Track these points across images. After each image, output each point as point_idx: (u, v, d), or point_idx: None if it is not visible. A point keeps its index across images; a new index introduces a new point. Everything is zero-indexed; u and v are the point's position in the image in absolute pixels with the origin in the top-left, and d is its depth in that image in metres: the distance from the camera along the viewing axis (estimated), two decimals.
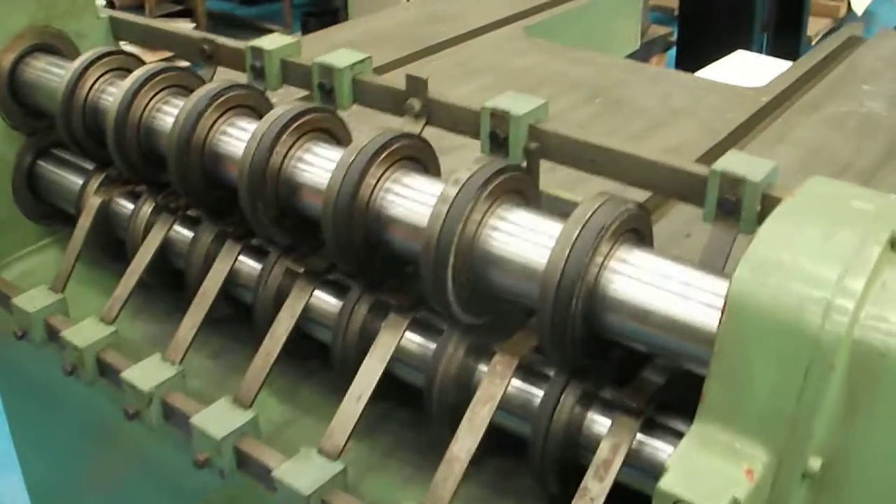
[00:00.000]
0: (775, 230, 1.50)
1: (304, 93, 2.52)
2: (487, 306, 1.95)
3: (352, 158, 1.97)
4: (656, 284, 1.70)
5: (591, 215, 1.74)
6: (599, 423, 1.86)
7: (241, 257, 2.33)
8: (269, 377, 2.13)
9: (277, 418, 2.27)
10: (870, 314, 1.39)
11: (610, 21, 4.64)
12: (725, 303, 1.45)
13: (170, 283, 2.56)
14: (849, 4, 10.66)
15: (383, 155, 1.99)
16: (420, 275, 1.88)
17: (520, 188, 1.94)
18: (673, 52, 8.00)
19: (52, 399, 2.82)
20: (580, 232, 1.72)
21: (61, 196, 2.78)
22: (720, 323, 1.46)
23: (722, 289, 1.63)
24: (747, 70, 5.32)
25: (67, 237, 2.82)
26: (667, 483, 1.41)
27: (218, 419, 2.06)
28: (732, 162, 1.88)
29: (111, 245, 2.68)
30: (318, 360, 2.33)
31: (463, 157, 2.12)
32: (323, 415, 2.23)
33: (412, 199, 1.97)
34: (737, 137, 3.05)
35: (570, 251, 1.70)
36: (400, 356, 2.05)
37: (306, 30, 10.18)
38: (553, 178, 2.17)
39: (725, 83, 3.60)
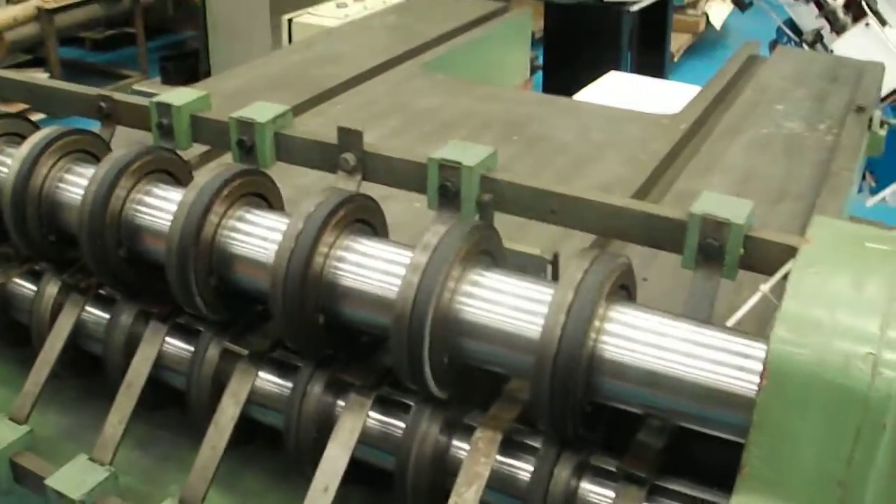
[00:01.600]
0: (803, 284, 1.42)
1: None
2: (464, 377, 1.82)
3: (299, 228, 1.82)
4: (667, 347, 1.61)
5: (585, 278, 1.62)
6: (597, 494, 1.74)
7: (168, 339, 2.15)
8: None
9: None
10: None
11: (503, 52, 4.57)
12: (764, 367, 1.36)
13: (81, 369, 2.36)
14: (707, 19, 10.83)
15: (334, 220, 1.85)
16: (390, 350, 1.75)
17: (489, 248, 1.82)
18: (539, 76, 8.00)
19: None
20: (575, 297, 1.60)
21: None
22: (759, 389, 1.37)
23: (739, 347, 1.55)
24: (625, 91, 5.31)
25: None
26: None
27: None
28: (710, 204, 1.80)
29: (7, 329, 2.46)
30: (261, 442, 2.16)
31: (399, 208, 2.00)
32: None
33: (374, 269, 1.83)
34: (664, 168, 2.98)
35: (567, 319, 1.59)
36: (365, 438, 1.89)
37: (166, 76, 9.82)
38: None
39: (639, 111, 3.54)
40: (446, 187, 1.97)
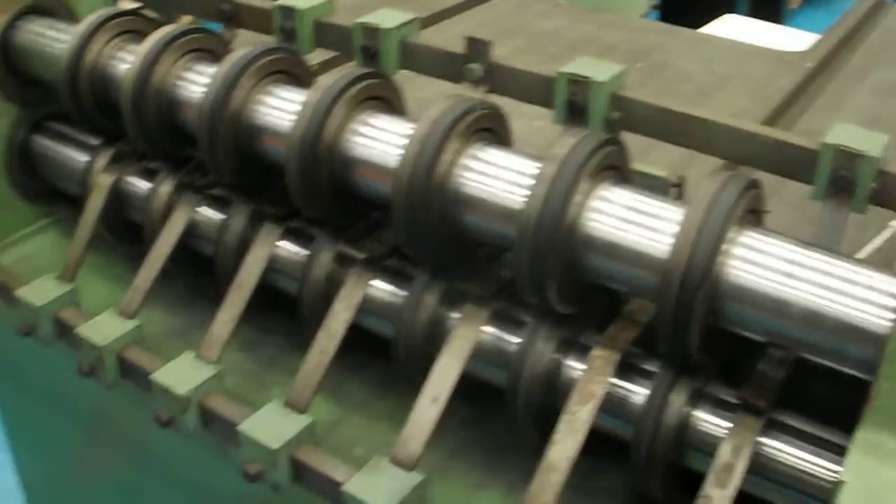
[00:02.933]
0: None
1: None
2: (585, 295, 1.81)
3: (425, 132, 1.82)
4: (796, 274, 1.59)
5: (716, 198, 1.61)
6: (710, 423, 1.74)
7: (281, 242, 2.17)
8: None
9: (325, 417, 2.12)
10: None
11: None
12: None
13: (191, 268, 2.40)
14: None
15: (460, 127, 1.84)
16: (512, 262, 1.74)
17: (618, 164, 1.80)
18: (654, 16, 7.89)
19: (54, 397, 2.65)
20: (706, 217, 1.58)
21: (61, 174, 2.61)
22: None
23: (871, 280, 1.53)
24: (741, 34, 5.22)
25: (66, 219, 2.67)
26: (848, 501, 1.29)
27: (271, 426, 1.91)
28: (844, 135, 1.77)
29: (119, 226, 2.52)
30: (366, 352, 2.19)
31: (518, 125, 1.99)
32: (376, 413, 2.11)
33: (495, 177, 1.83)
34: (788, 105, 2.93)
35: (697, 239, 1.57)
36: (477, 351, 1.90)
37: None
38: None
39: (766, 48, 3.48)
40: (575, 102, 1.96)
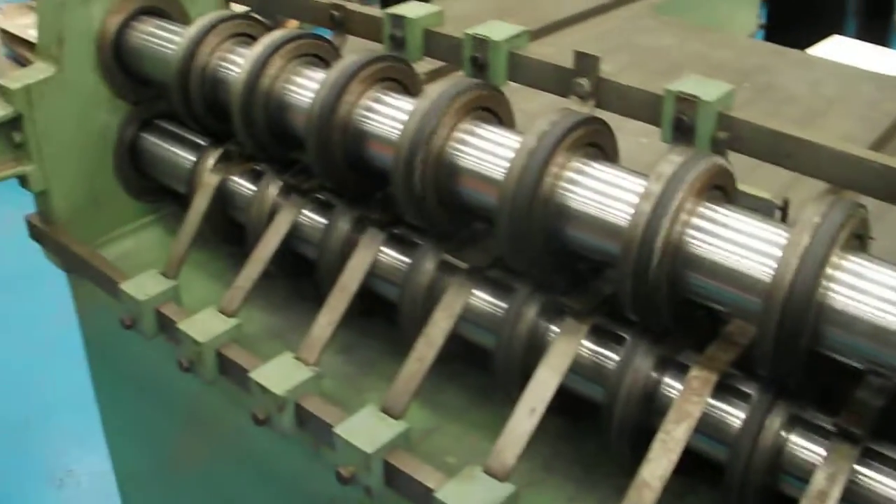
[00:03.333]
0: None
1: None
2: (685, 314, 1.82)
3: (532, 146, 1.84)
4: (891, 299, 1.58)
5: (821, 222, 1.61)
6: (807, 449, 1.74)
7: (384, 247, 2.21)
8: None
9: (420, 424, 2.14)
10: None
11: (733, 3, 4.49)
12: None
13: (291, 269, 2.44)
14: None
15: (568, 141, 1.86)
16: (615, 278, 1.76)
17: (724, 185, 1.81)
18: (759, 35, 7.82)
19: (153, 389, 2.71)
20: (811, 241, 1.59)
21: (168, 172, 2.68)
22: None
23: None
24: (848, 56, 5.15)
25: (171, 216, 2.73)
26: None
27: (366, 430, 1.94)
28: None
29: (223, 226, 2.57)
30: (462, 362, 2.22)
31: (624, 142, 2.00)
32: (472, 422, 2.14)
33: (605, 194, 1.84)
34: None
35: (801, 262, 1.58)
36: (575, 366, 1.92)
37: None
38: None
39: (874, 71, 3.44)
40: (682, 121, 1.96)
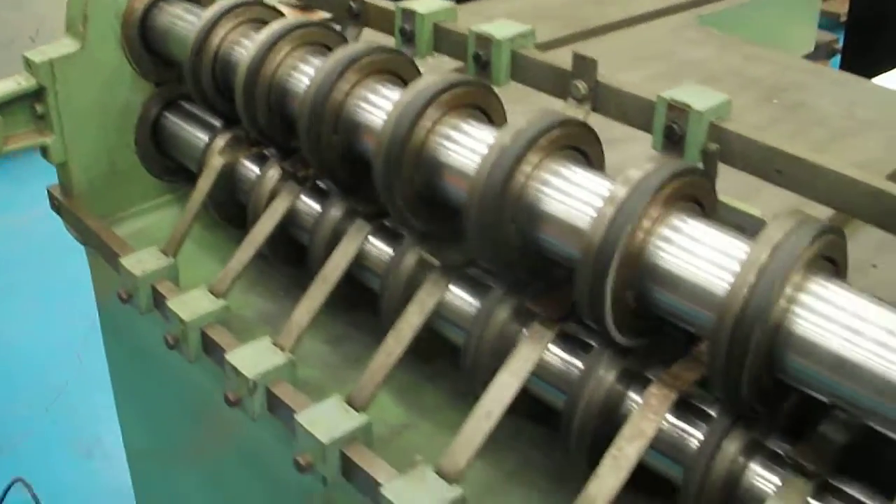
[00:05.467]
0: None
1: (456, 63, 2.28)
2: (648, 328, 1.68)
3: (506, 142, 1.71)
4: (857, 329, 1.41)
5: (785, 239, 1.45)
6: (764, 478, 1.57)
7: (370, 239, 2.09)
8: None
9: (393, 420, 2.05)
10: None
11: (787, 19, 4.28)
12: None
13: (290, 257, 2.34)
14: None
15: (543, 141, 1.72)
16: (573, 282, 1.62)
17: (698, 196, 1.66)
18: (837, 60, 7.58)
19: (156, 365, 2.62)
20: (770, 258, 1.43)
21: (185, 152, 2.59)
22: None
23: None
24: None
25: (189, 196, 2.64)
26: None
27: (327, 420, 1.82)
28: None
29: (233, 209, 2.47)
30: (447, 361, 2.09)
31: (627, 152, 1.85)
32: (445, 422, 2.00)
33: (573, 196, 1.70)
34: None
35: (758, 279, 1.42)
36: (539, 372, 1.79)
37: None
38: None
39: None
40: (672, 129, 1.82)
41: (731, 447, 1.58)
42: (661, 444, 1.65)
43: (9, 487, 3.73)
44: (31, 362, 4.40)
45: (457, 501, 1.66)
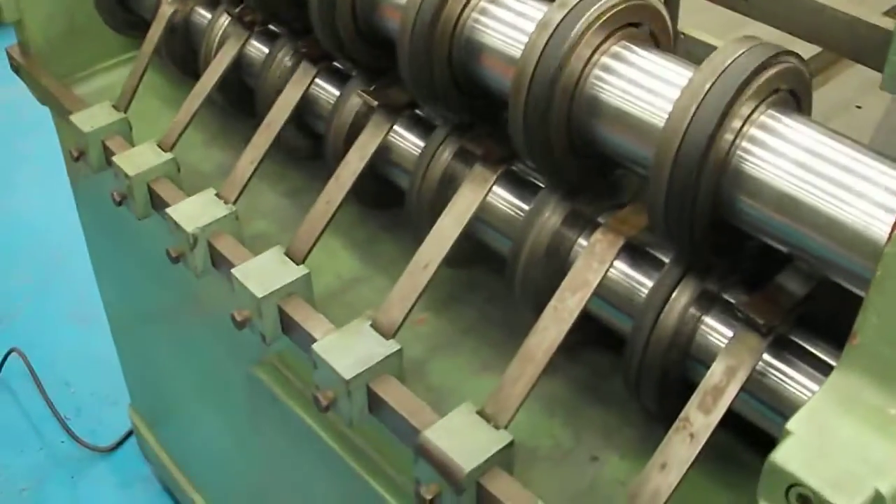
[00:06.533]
0: None
1: None
2: (587, 168, 1.48)
3: None
4: (810, 167, 1.20)
5: (731, 63, 1.23)
6: (718, 332, 1.39)
7: (319, 82, 1.90)
8: (345, 226, 1.84)
9: (347, 274, 1.89)
10: None
11: None
12: None
13: (248, 107, 2.14)
14: None
15: None
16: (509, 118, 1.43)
17: (647, 22, 1.44)
18: None
19: (119, 227, 2.46)
20: (713, 84, 1.22)
21: (145, 4, 2.37)
22: (890, 237, 0.96)
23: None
24: None
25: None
26: (783, 456, 0.95)
27: (263, 273, 1.65)
28: None
29: (184, 59, 2.30)
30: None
31: None
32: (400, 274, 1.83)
33: (504, 22, 1.49)
34: None
35: (698, 108, 1.21)
36: (484, 217, 1.61)
37: None
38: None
39: None
40: None
41: (682, 298, 1.38)
42: (609, 294, 1.47)
43: (5, 358, 3.64)
44: (31, 231, 4.27)
45: (391, 357, 1.49)
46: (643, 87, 1.34)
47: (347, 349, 1.49)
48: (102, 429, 3.37)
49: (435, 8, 1.48)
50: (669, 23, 1.47)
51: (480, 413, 1.37)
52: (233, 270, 1.66)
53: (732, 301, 1.38)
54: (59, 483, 3.34)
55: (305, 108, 1.91)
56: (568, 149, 1.42)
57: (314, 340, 1.53)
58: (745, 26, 1.63)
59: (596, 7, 1.35)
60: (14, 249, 4.20)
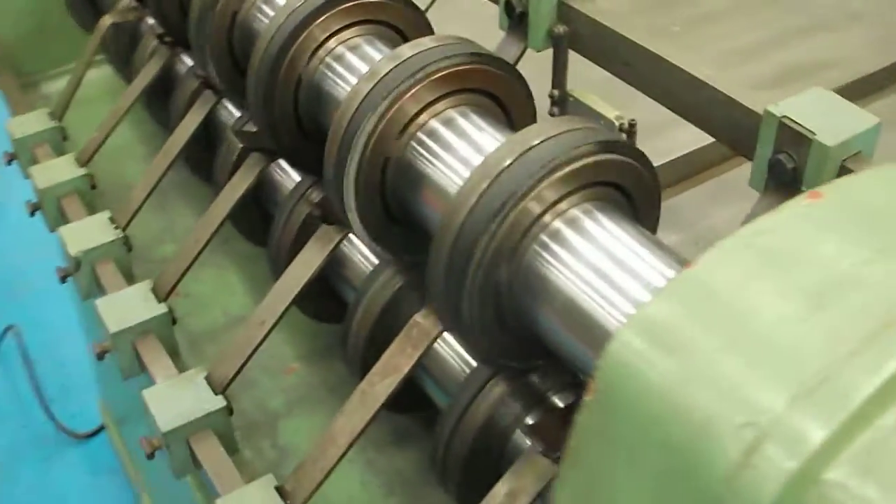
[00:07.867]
0: (720, 268, 0.75)
1: None
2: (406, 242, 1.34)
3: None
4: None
5: (538, 145, 1.07)
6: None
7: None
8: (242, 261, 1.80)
9: (235, 310, 1.81)
10: (835, 480, 0.63)
11: None
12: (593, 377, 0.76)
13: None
14: None
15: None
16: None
17: (489, 85, 1.28)
18: None
19: None
20: (509, 166, 1.06)
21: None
22: (583, 405, 0.76)
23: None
24: None
25: None
26: None
27: (122, 308, 1.54)
28: (803, 104, 1.10)
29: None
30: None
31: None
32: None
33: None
34: None
35: (478, 200, 1.06)
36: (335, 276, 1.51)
37: None
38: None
39: None
40: (511, 6, 1.44)
41: (497, 389, 1.24)
42: (432, 369, 1.33)
43: (3, 334, 3.56)
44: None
45: (215, 413, 1.37)
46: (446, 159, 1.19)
47: (175, 400, 1.38)
48: (86, 413, 3.24)
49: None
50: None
51: (279, 489, 1.24)
52: (97, 301, 1.56)
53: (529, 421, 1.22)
54: (32, 463, 3.25)
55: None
56: (385, 217, 1.27)
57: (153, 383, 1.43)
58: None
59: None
60: (12, 228, 4.07)
